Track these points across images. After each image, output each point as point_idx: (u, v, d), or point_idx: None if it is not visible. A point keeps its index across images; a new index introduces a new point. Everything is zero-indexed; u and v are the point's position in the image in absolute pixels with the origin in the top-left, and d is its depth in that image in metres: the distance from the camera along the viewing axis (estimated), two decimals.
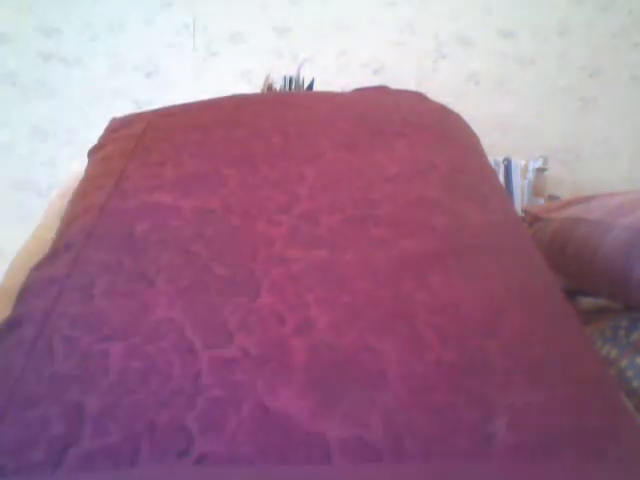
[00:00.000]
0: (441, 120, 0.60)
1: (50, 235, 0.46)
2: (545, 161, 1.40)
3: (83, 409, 0.29)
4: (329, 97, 0.65)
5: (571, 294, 0.70)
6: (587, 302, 0.72)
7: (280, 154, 0.49)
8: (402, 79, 1.61)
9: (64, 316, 0.34)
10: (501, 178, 1.35)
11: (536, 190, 1.38)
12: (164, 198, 0.44)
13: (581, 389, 0.32)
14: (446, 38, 1.66)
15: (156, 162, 0.49)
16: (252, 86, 1.62)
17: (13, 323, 0.35)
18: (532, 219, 0.79)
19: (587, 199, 0.73)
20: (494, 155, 1.35)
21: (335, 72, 1.63)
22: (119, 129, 0.57)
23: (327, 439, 0.28)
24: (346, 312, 0.35)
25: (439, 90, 0.80)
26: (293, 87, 1.29)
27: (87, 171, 0.53)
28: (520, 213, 0.87)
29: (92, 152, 0.56)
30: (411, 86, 0.74)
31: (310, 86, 1.30)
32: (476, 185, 0.50)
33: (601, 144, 1.70)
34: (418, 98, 0.66)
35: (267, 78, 1.33)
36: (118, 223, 0.42)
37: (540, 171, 1.38)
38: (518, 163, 1.37)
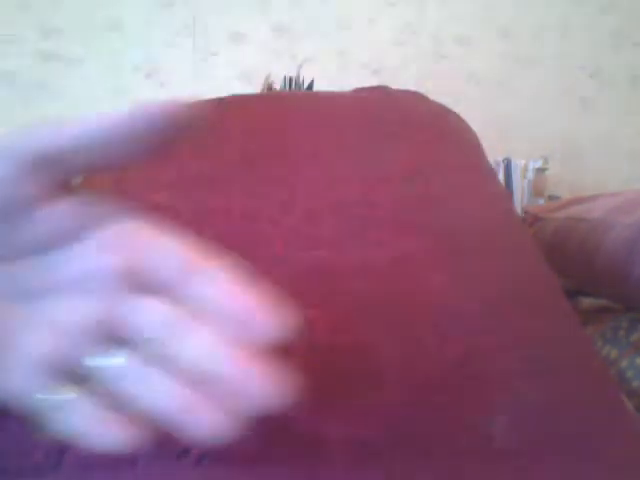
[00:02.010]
0: (441, 120, 0.60)
1: None
2: (545, 161, 1.41)
3: None
4: (329, 97, 0.65)
5: (571, 294, 0.70)
6: (587, 302, 0.72)
7: (280, 154, 0.49)
8: (402, 79, 1.61)
9: None
10: (501, 178, 1.36)
11: (536, 190, 1.38)
12: (164, 198, 0.44)
13: (581, 389, 0.32)
14: (446, 38, 1.66)
15: (156, 162, 0.49)
16: (252, 86, 1.62)
17: None
18: (532, 219, 0.79)
19: (587, 199, 0.73)
20: (494, 155, 1.35)
21: (335, 72, 1.64)
22: None
23: (327, 439, 0.28)
24: (346, 312, 0.35)
25: (439, 90, 0.80)
26: (293, 87, 1.29)
27: None
28: (520, 213, 0.87)
29: None
30: (411, 86, 0.74)
31: (310, 86, 1.30)
32: (476, 185, 0.50)
33: (601, 144, 1.70)
34: (418, 98, 0.66)
35: (267, 78, 1.33)
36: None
37: (540, 171, 1.38)
38: (518, 163, 1.37)
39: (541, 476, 0.28)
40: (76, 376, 0.21)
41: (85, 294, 0.22)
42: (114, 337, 0.22)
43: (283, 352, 0.32)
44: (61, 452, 0.27)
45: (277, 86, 1.33)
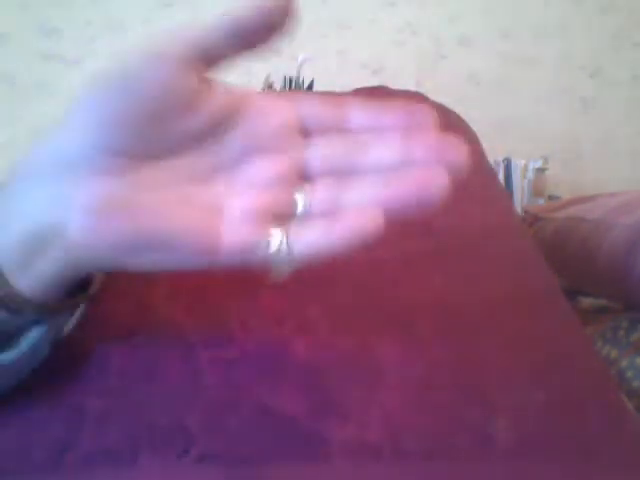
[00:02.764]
0: (441, 120, 0.60)
1: None
2: (545, 161, 1.40)
3: (83, 409, 0.29)
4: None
5: (571, 294, 0.70)
6: (587, 302, 0.72)
7: None
8: (402, 79, 1.61)
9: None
10: (501, 178, 1.36)
11: (536, 190, 1.38)
12: None
13: (581, 389, 0.32)
14: (446, 38, 1.66)
15: None
16: (252, 86, 1.62)
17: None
18: (532, 219, 0.79)
19: (587, 199, 0.73)
20: (494, 155, 1.35)
21: (335, 72, 1.64)
22: None
23: (327, 439, 0.28)
24: (346, 312, 0.35)
25: (439, 90, 0.80)
26: (293, 87, 1.29)
27: None
28: (520, 213, 0.87)
29: None
30: (411, 86, 0.74)
31: (310, 86, 1.30)
32: (476, 185, 0.50)
33: (601, 144, 1.70)
34: (418, 98, 0.66)
35: (267, 78, 1.33)
36: None
37: (540, 171, 1.38)
38: (518, 163, 1.37)
39: (541, 476, 0.28)
40: (286, 218, 0.25)
41: (264, 153, 0.25)
42: (304, 178, 0.25)
43: (283, 354, 0.32)
44: (61, 452, 0.27)
45: (277, 86, 1.33)
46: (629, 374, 0.54)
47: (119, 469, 0.26)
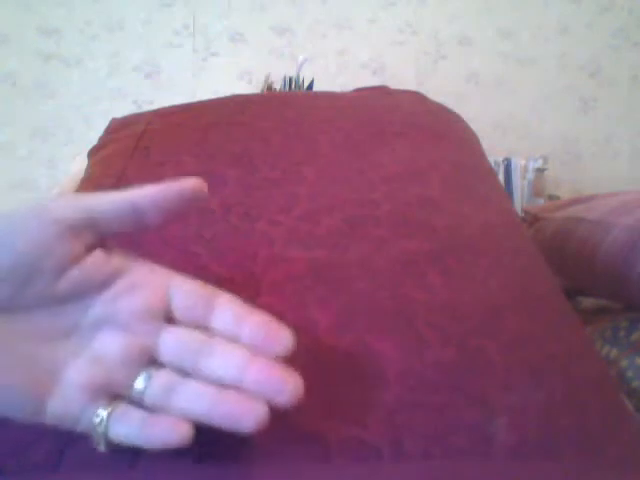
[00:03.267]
0: (441, 120, 0.60)
1: None
2: (545, 161, 1.41)
3: None
4: (329, 97, 0.65)
5: (571, 294, 0.70)
6: (587, 302, 0.72)
7: (280, 154, 0.49)
8: (402, 79, 1.61)
9: None
10: (501, 178, 1.36)
11: (536, 190, 1.38)
12: None
13: (581, 389, 0.32)
14: (446, 38, 1.66)
15: (156, 162, 0.49)
16: (252, 86, 1.62)
17: None
18: (532, 219, 0.79)
19: (587, 199, 0.73)
20: (494, 155, 1.35)
21: (335, 72, 1.64)
22: (119, 129, 0.57)
23: (327, 439, 0.28)
24: (346, 312, 0.35)
25: (439, 90, 0.80)
26: (293, 87, 1.29)
27: (87, 171, 0.53)
28: (520, 213, 0.87)
29: (92, 152, 0.56)
30: (411, 86, 0.74)
31: (310, 86, 1.30)
32: (476, 185, 0.50)
33: (601, 144, 1.70)
34: (418, 98, 0.66)
35: (267, 78, 1.33)
36: None
37: (540, 171, 1.38)
38: (518, 163, 1.37)
39: (541, 476, 0.28)
40: (119, 396, 0.26)
41: (120, 329, 0.26)
42: (150, 361, 0.26)
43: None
44: (61, 452, 0.27)
45: (277, 86, 1.33)
46: (629, 374, 0.54)
47: (119, 469, 0.26)
